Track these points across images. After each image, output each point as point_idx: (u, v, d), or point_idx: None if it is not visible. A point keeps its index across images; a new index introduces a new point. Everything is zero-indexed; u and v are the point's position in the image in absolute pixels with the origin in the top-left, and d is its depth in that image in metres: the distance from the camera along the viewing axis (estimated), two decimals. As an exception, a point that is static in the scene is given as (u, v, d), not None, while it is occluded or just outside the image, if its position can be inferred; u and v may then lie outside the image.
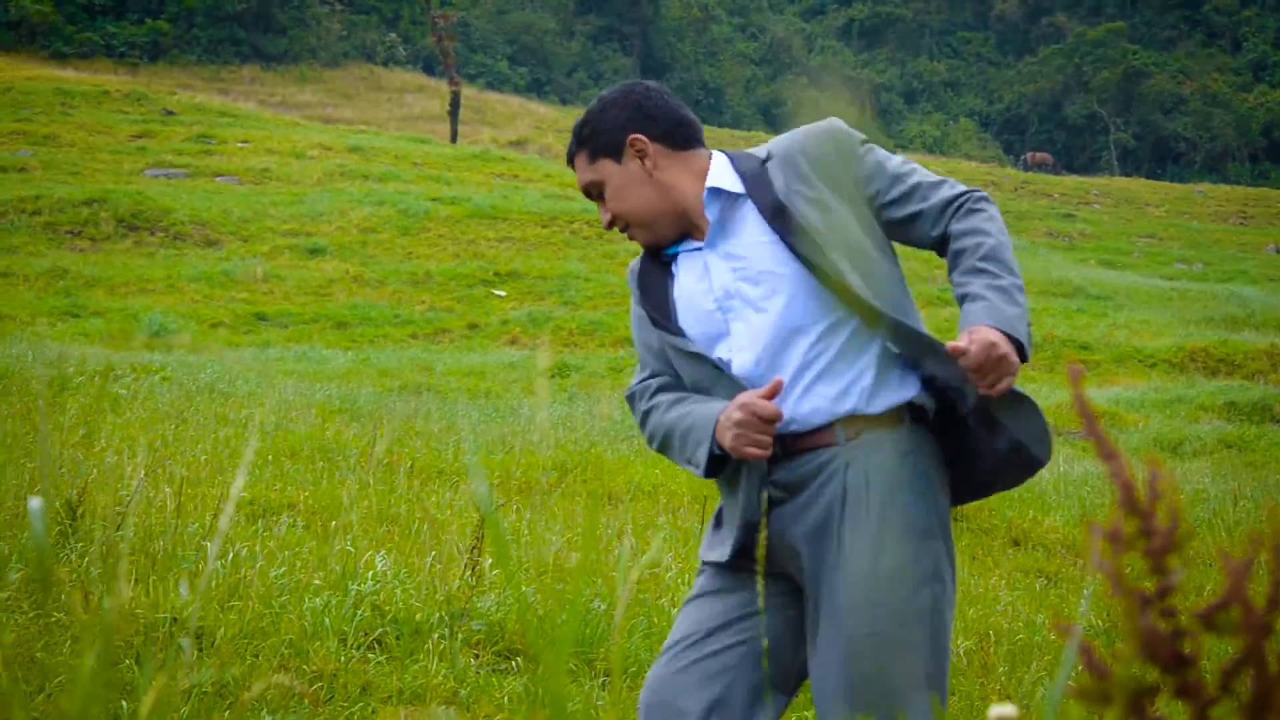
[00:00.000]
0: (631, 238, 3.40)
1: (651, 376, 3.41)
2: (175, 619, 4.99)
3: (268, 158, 37.84)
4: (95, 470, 7.33)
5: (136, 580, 5.45)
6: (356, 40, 75.99)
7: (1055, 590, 8.22)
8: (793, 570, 3.25)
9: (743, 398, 3.11)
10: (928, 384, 3.21)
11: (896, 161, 3.32)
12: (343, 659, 5.21)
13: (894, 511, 3.12)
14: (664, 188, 3.33)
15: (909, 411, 3.21)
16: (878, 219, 3.30)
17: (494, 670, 5.52)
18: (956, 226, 3.23)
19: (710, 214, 3.30)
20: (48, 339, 18.95)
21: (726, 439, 3.11)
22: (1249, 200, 61.59)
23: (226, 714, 4.27)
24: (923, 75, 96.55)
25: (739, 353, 3.25)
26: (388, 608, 5.71)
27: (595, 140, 3.37)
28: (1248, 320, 28.59)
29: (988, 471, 3.24)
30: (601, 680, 5.56)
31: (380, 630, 5.55)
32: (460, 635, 5.61)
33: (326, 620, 5.48)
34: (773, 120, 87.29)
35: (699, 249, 3.34)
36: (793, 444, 3.19)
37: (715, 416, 3.15)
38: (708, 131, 63.17)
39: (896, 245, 3.36)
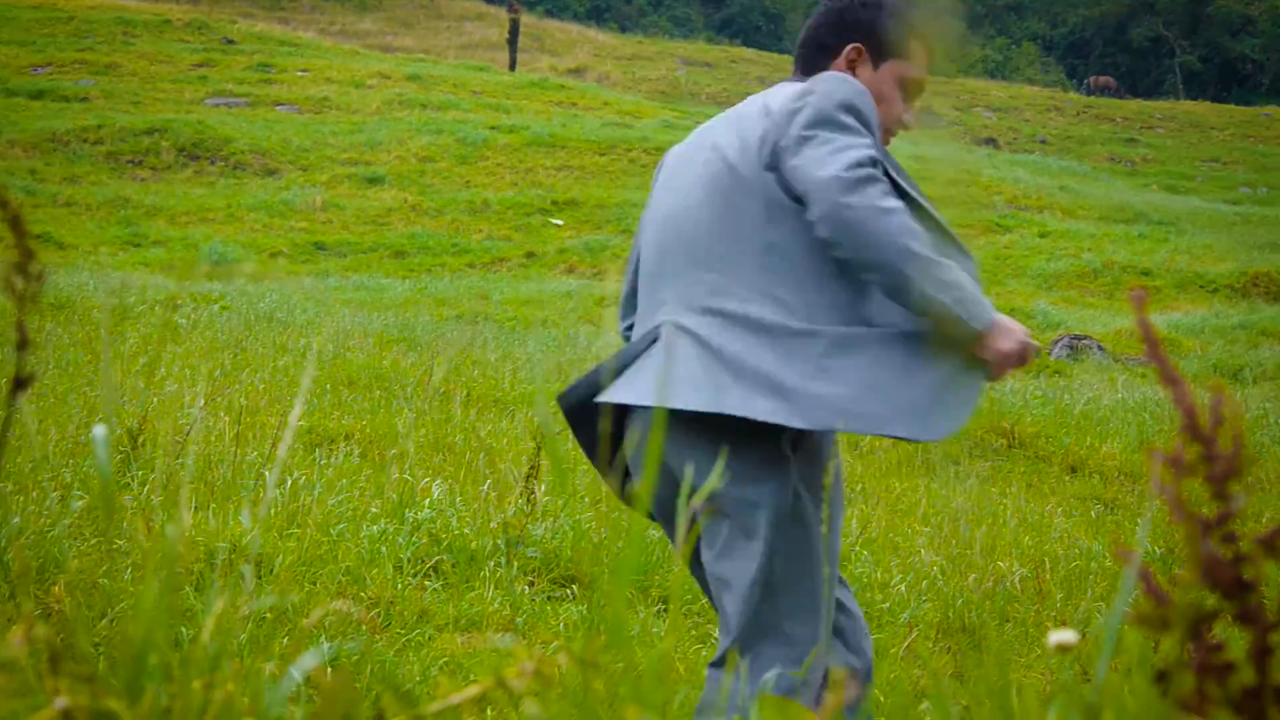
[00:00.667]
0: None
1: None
2: (235, 546, 5.04)
3: (327, 87, 37.85)
4: (156, 399, 7.39)
5: (196, 508, 5.51)
6: (414, -32, 75.75)
7: (1112, 517, 8.19)
8: None
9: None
10: None
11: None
12: (399, 586, 5.26)
13: None
14: (878, 89, 3.57)
15: None
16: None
17: (549, 598, 5.55)
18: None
19: None
20: (109, 268, 19.08)
21: (1010, 343, 3.14)
22: (1317, 123, 60.73)
23: (285, 640, 4.31)
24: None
25: None
26: (444, 535, 5.75)
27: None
28: (1313, 245, 28.26)
29: None
30: (658, 608, 5.58)
31: (436, 558, 5.59)
32: (516, 563, 5.64)
33: (383, 548, 5.53)
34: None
35: None
36: None
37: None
38: (767, 58, 62.43)
39: None
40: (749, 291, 3.15)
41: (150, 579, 1.35)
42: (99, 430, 1.53)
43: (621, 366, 3.28)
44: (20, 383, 1.38)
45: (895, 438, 3.22)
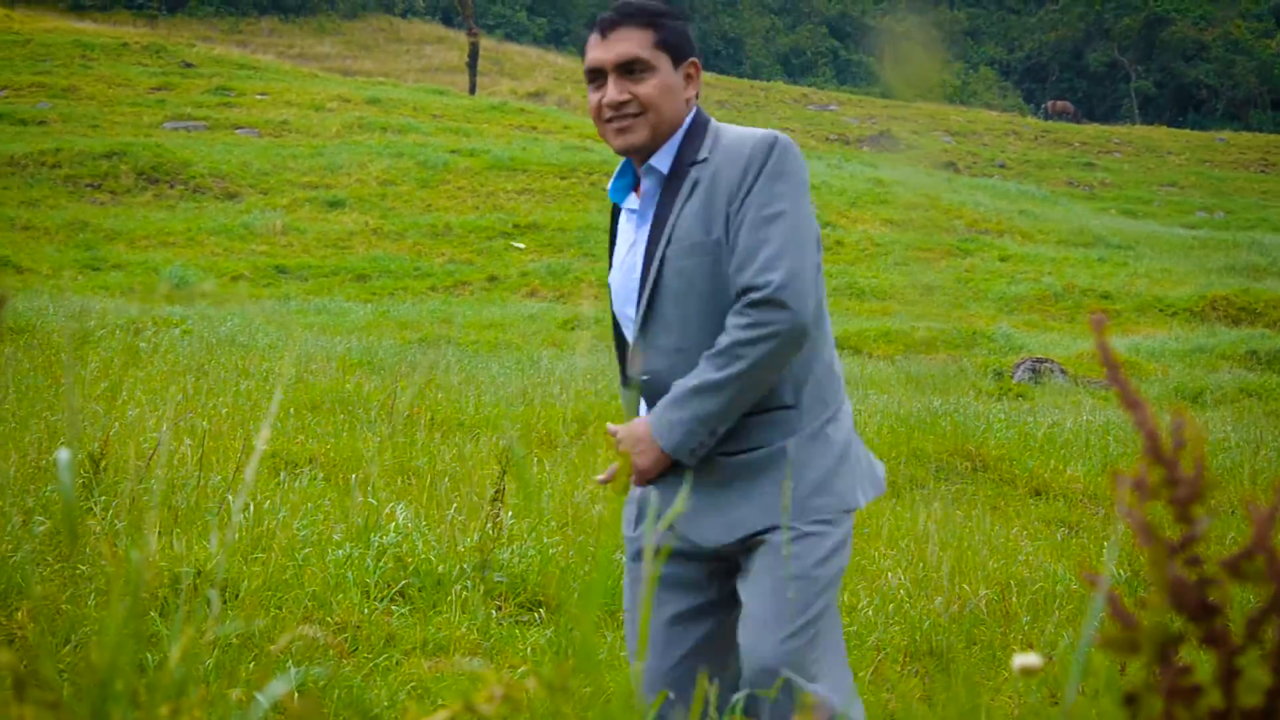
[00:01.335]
0: (621, 130, 3.45)
1: None
2: (200, 571, 5.01)
3: (287, 110, 37.79)
4: (118, 423, 7.35)
5: (160, 533, 5.48)
6: (374, -9, 75.74)
7: (1077, 540, 8.22)
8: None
9: None
10: None
11: (772, 207, 3.33)
12: (366, 611, 5.24)
13: None
14: (681, 114, 3.47)
15: None
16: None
17: (517, 622, 5.54)
18: (732, 320, 3.31)
19: (645, 184, 3.49)
20: (69, 292, 18.99)
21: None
22: (1271, 147, 61.14)
23: (252, 665, 4.29)
24: (943, 24, 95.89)
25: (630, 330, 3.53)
26: (410, 560, 5.73)
27: (667, 32, 3.47)
28: (1269, 268, 28.45)
29: None
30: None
31: (403, 582, 5.57)
32: (483, 587, 5.63)
33: (349, 573, 5.51)
34: (792, 70, 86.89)
35: (635, 212, 3.52)
36: None
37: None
38: (726, 82, 62.61)
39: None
40: None
41: (115, 604, 1.34)
42: (62, 454, 1.53)
43: None
44: (-13, 408, 1.37)
45: None
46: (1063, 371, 17.62)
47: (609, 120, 3.43)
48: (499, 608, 5.63)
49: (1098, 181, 49.80)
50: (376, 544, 5.79)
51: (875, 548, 7.25)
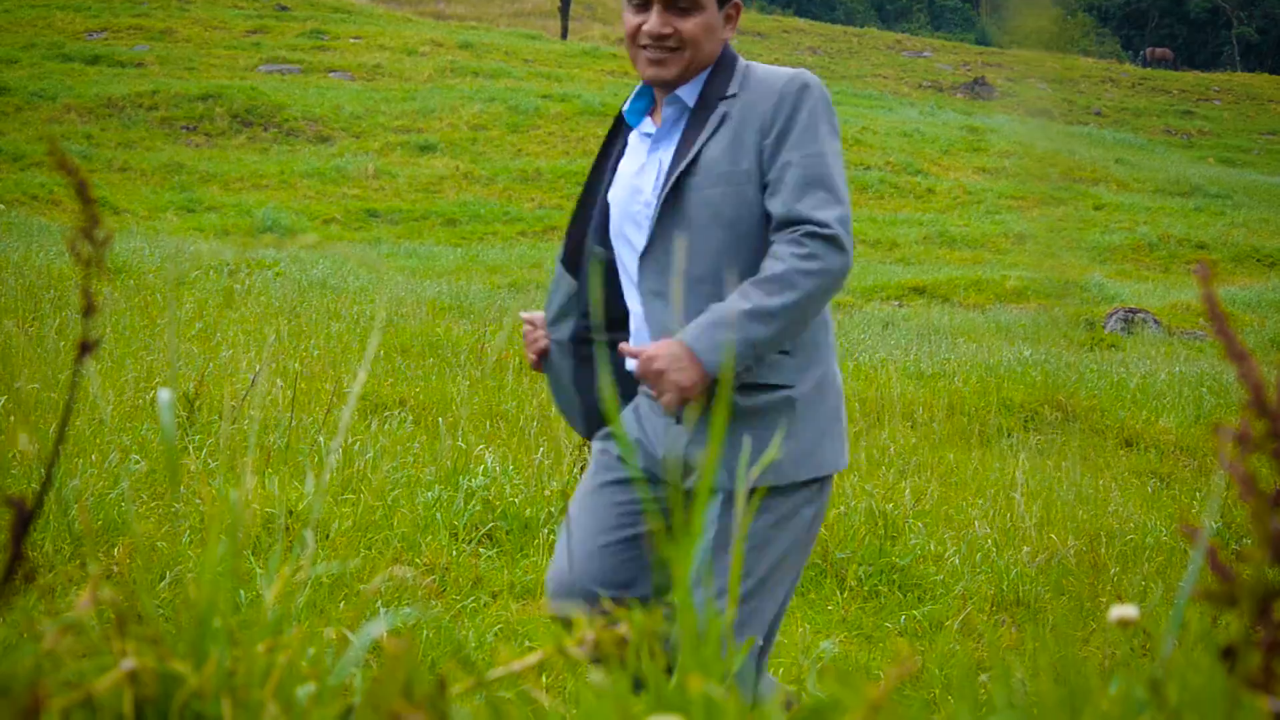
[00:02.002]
0: (654, 62, 3.42)
1: None
2: (292, 511, 5.06)
3: (380, 54, 37.90)
4: (212, 364, 7.43)
5: (254, 473, 5.53)
6: (468, -65, 75.67)
7: (1168, 492, 8.14)
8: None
9: None
10: None
11: (818, 147, 3.31)
12: (454, 553, 5.27)
13: None
14: (715, 53, 3.44)
15: None
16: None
17: (603, 565, 5.56)
18: (786, 248, 3.23)
19: (667, 112, 3.46)
20: (165, 233, 19.18)
21: None
22: (1375, 95, 60.03)
23: (343, 604, 4.34)
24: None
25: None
26: (497, 503, 5.76)
27: None
28: (1371, 219, 27.98)
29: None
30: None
31: (491, 525, 5.61)
32: (570, 530, 5.65)
33: (438, 515, 5.55)
34: (886, 16, 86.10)
35: (650, 136, 3.48)
36: None
37: None
38: (820, 28, 62.10)
39: None
40: None
41: (213, 543, 1.36)
42: (164, 394, 1.54)
43: None
44: (86, 347, 1.39)
45: None
46: (1156, 322, 17.43)
47: (644, 47, 3.40)
48: (586, 551, 5.65)
49: (1196, 130, 49.08)
50: (465, 487, 5.82)
51: (963, 497, 7.22)
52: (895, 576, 5.73)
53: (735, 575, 1.49)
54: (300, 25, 40.78)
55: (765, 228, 3.28)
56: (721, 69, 3.42)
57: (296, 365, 7.88)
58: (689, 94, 3.41)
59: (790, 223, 3.21)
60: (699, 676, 1.23)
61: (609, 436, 3.53)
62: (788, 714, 1.19)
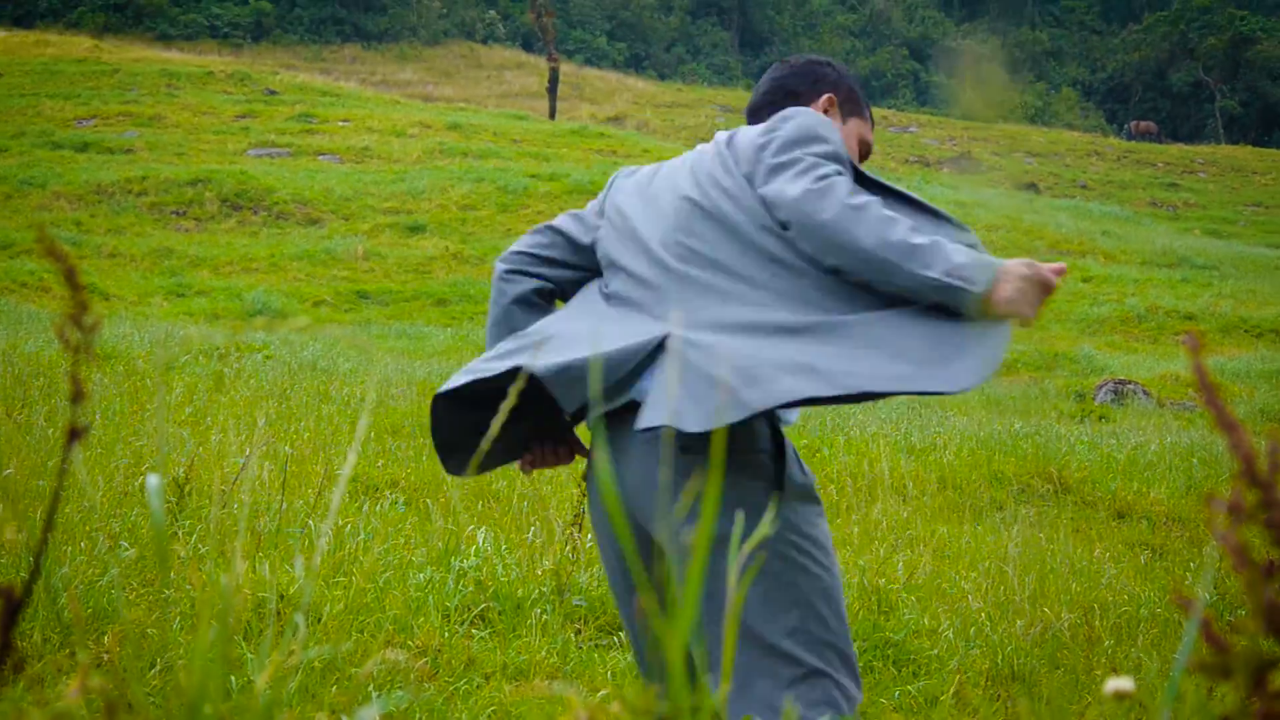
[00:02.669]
0: None
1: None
2: (283, 595, 5.04)
3: (368, 136, 38.10)
4: (201, 449, 7.42)
5: (244, 558, 5.52)
6: (456, 18, 76.42)
7: (1161, 563, 8.13)
8: None
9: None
10: None
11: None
12: (447, 634, 5.25)
13: None
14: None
15: None
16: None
17: (596, 645, 5.54)
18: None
19: None
20: (155, 318, 19.20)
21: (1011, 286, 3.03)
22: (1358, 166, 60.48)
23: (334, 689, 4.31)
24: (1025, 44, 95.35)
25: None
26: (490, 583, 5.75)
27: None
28: (1357, 289, 28.12)
29: None
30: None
31: (483, 606, 5.59)
32: (562, 611, 5.64)
33: (430, 596, 5.53)
34: (871, 92, 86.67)
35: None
36: None
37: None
38: (805, 104, 63.39)
39: None
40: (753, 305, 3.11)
41: (203, 629, 1.35)
42: (152, 480, 1.54)
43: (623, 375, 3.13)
44: (74, 434, 1.39)
45: (923, 393, 3.11)
46: (1146, 393, 17.47)
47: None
48: (578, 630, 5.63)
49: (1181, 202, 49.36)
50: (457, 568, 5.81)
51: (956, 570, 7.20)
52: (889, 651, 5.71)
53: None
54: (289, 109, 41.00)
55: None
56: None
57: (287, 448, 7.88)
58: None
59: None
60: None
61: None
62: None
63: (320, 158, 35.41)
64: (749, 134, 3.35)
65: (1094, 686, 5.28)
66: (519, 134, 40.89)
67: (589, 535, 6.35)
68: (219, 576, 1.30)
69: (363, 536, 6.11)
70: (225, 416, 8.90)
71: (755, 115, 3.69)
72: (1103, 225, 35.09)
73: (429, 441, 9.28)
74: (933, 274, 2.98)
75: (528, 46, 75.48)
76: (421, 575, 5.70)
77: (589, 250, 3.46)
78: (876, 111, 69.67)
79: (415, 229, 29.25)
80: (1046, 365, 20.86)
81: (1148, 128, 73.43)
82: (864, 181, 3.28)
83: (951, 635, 5.97)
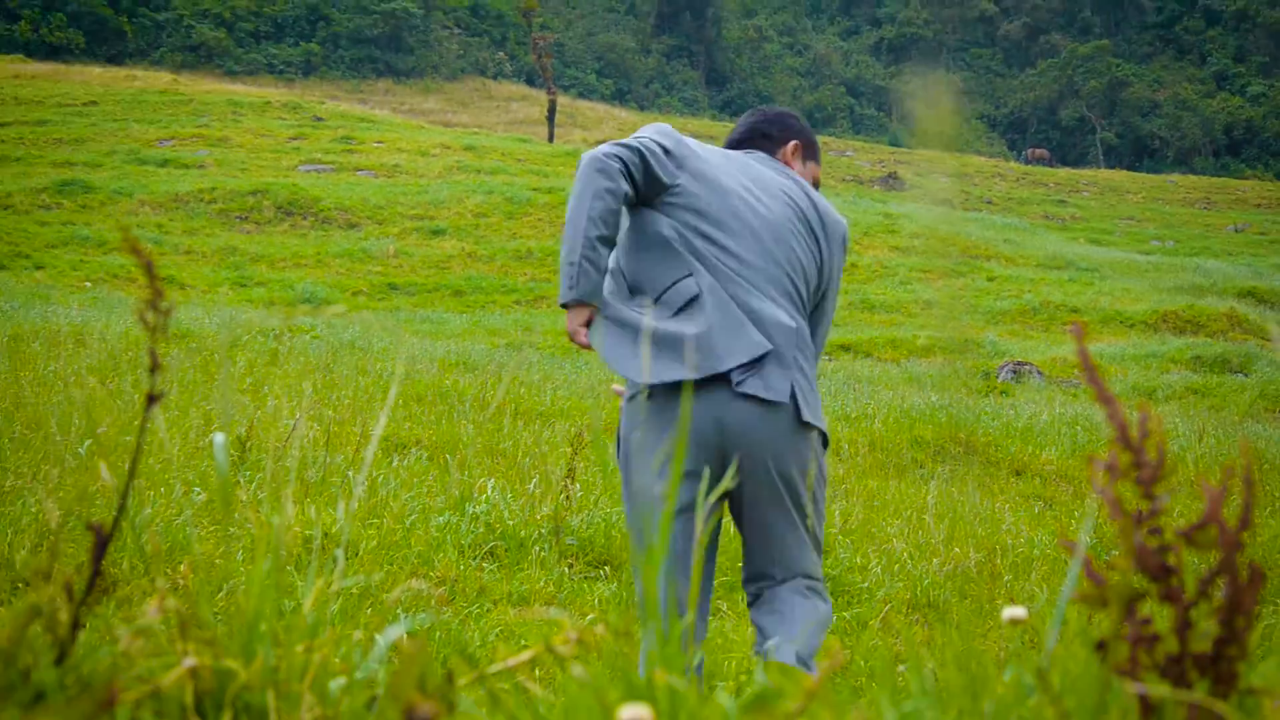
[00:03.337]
0: None
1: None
2: (327, 534, 5.04)
3: (398, 155, 37.95)
4: (260, 412, 7.40)
5: (295, 502, 5.50)
6: (471, 58, 76.20)
7: (1051, 513, 8.15)
8: None
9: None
10: None
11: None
12: (462, 567, 5.25)
13: None
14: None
15: None
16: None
17: (586, 577, 5.54)
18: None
19: None
20: (222, 304, 19.13)
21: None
22: (1212, 188, 60.63)
23: (369, 611, 4.31)
24: (941, 84, 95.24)
25: None
26: (497, 525, 5.74)
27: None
28: (1210, 288, 28.15)
29: None
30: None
31: (492, 544, 5.58)
32: (558, 548, 5.64)
33: (448, 536, 5.52)
34: (815, 123, 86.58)
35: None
36: None
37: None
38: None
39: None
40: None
41: (260, 561, 1.35)
42: (218, 437, 1.54)
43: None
44: (152, 399, 1.38)
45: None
46: (1039, 373, 17.49)
47: None
48: (571, 565, 5.63)
49: (1069, 215, 49.41)
50: (470, 512, 5.80)
51: (883, 517, 7.21)
52: (828, 585, 5.71)
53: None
54: (333, 133, 40.82)
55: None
56: None
57: (330, 412, 7.85)
58: None
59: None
60: (663, 670, 1.22)
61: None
62: (737, 702, 1.19)
63: (358, 173, 35.25)
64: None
65: (995, 614, 5.29)
66: (523, 154, 40.76)
67: (579, 485, 6.34)
68: (273, 517, 1.30)
69: (392, 486, 6.11)
70: (279, 386, 8.88)
71: (734, 148, 3.78)
72: (1004, 234, 35.10)
73: (447, 407, 9.28)
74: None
75: (530, 82, 75.29)
76: (441, 518, 5.69)
77: (659, 184, 3.36)
78: (819, 138, 69.55)
79: (437, 232, 29.15)
80: (958, 349, 20.88)
81: (1041, 154, 73.47)
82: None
83: (879, 571, 5.98)
